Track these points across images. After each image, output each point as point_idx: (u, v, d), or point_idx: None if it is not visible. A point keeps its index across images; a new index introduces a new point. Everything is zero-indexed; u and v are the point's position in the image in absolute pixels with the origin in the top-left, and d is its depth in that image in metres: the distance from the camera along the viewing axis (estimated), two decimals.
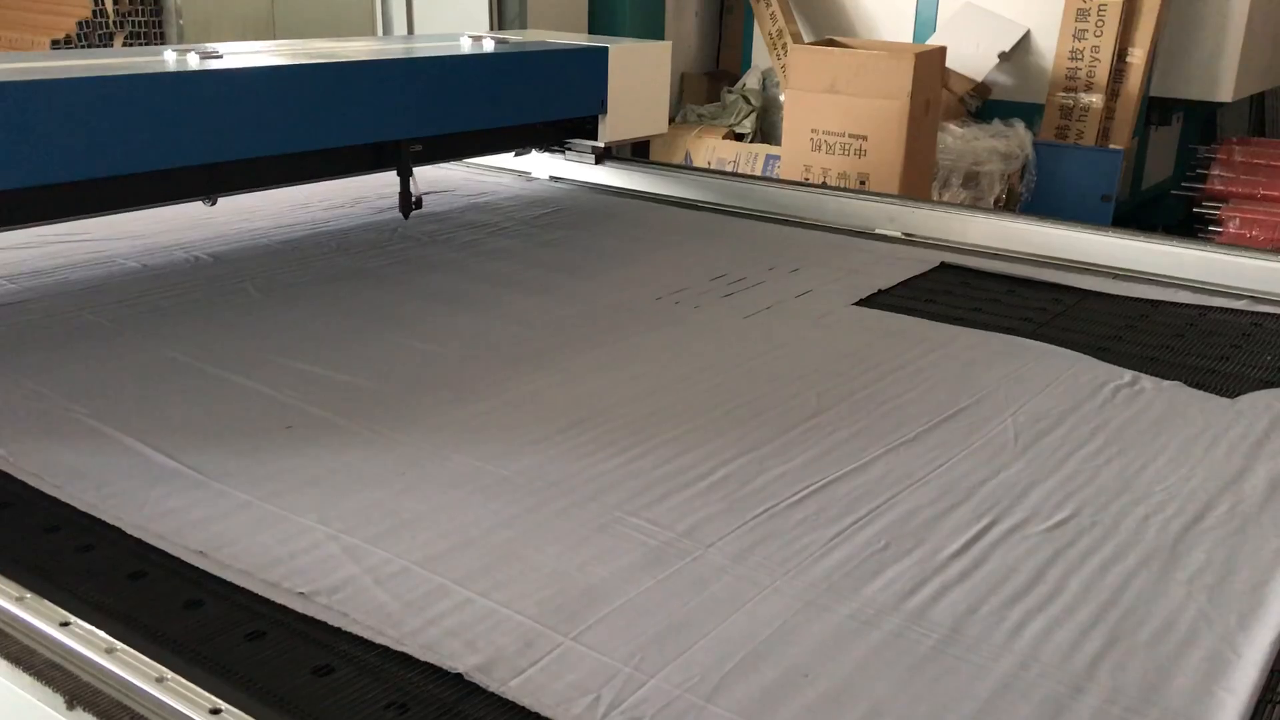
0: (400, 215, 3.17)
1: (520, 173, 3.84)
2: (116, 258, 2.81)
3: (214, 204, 2.76)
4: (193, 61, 2.53)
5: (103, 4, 7.77)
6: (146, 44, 7.96)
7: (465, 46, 3.24)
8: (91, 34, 7.70)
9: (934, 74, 4.84)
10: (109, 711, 1.09)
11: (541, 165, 3.81)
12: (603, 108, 3.41)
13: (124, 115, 2.30)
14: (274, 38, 8.86)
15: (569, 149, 3.65)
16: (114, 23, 7.83)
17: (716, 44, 6.37)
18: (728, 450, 1.83)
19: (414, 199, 3.14)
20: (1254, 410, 2.01)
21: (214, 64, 2.54)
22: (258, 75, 2.56)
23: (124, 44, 7.83)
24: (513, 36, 3.50)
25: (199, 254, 2.87)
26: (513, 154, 3.75)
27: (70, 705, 1.10)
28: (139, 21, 7.95)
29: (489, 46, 3.21)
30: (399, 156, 3.02)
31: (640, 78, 3.50)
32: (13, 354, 2.17)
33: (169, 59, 2.58)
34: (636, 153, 3.98)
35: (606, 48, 3.36)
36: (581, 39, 3.67)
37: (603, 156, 3.61)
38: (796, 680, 1.25)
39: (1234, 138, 5.71)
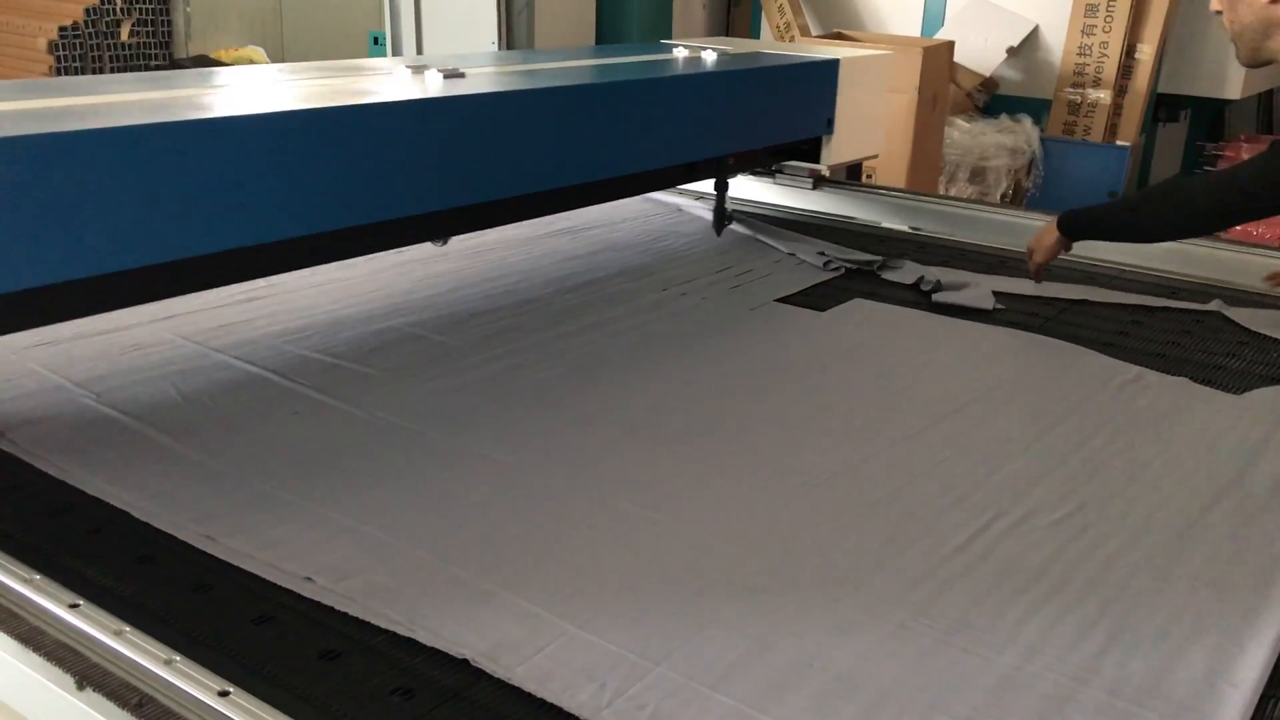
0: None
1: None
2: None
3: (445, 244, 2.53)
4: (435, 81, 2.20)
5: None
6: (153, 32, 7.97)
7: (681, 58, 2.90)
8: (99, 21, 7.71)
9: (941, 68, 4.82)
10: (118, 692, 1.09)
11: None
12: (829, 127, 3.07)
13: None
14: (280, 28, 8.87)
15: (780, 173, 3.37)
16: (121, 10, 7.83)
17: (725, 35, 6.35)
18: (731, 441, 1.83)
19: (727, 215, 3.02)
20: (1259, 407, 2.01)
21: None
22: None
23: (130, 32, 7.83)
24: (726, 47, 3.13)
25: None
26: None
27: (80, 686, 1.11)
28: (146, 9, 7.96)
29: (710, 59, 2.89)
30: (717, 171, 2.92)
31: (865, 93, 3.17)
32: (20, 336, 2.17)
33: (405, 74, 2.26)
34: (851, 176, 3.60)
35: (838, 60, 3.04)
36: (801, 50, 3.37)
37: (820, 181, 3.32)
38: (801, 670, 1.25)
39: (1242, 135, 5.70)
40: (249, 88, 2.06)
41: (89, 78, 2.24)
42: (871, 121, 3.30)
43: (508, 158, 2.15)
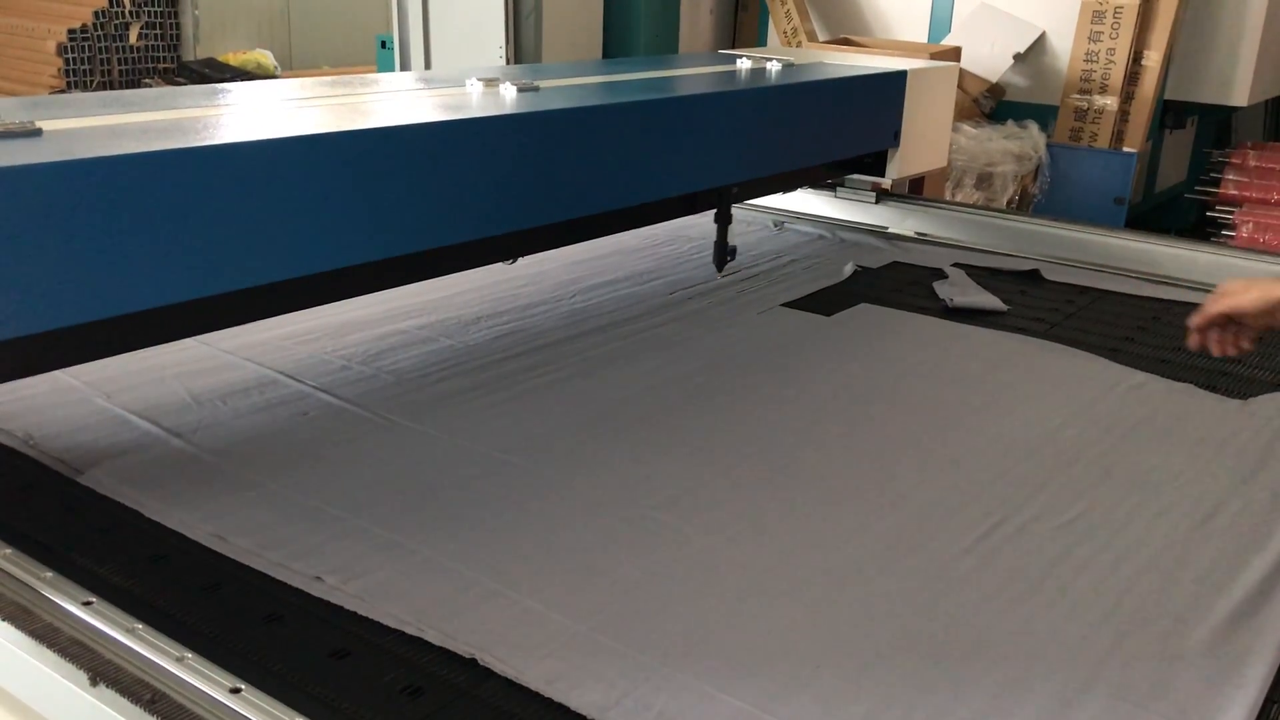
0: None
1: None
2: None
3: (513, 263, 2.39)
4: (508, 93, 2.10)
5: None
6: (161, 35, 8.01)
7: (745, 69, 2.79)
8: (108, 23, 7.75)
9: None
10: (131, 689, 1.10)
11: None
12: (895, 140, 2.98)
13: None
14: (288, 31, 8.90)
15: (841, 187, 3.30)
16: (130, 12, 7.86)
17: (731, 41, 6.37)
18: (737, 443, 1.84)
19: (729, 249, 2.66)
20: (1264, 413, 2.02)
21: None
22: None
23: (138, 35, 7.87)
24: (785, 57, 3.02)
25: None
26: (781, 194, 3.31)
27: (94, 682, 1.12)
28: (154, 12, 8.00)
29: (775, 69, 2.79)
30: (720, 203, 2.59)
31: (931, 105, 3.10)
32: None
33: (474, 89, 2.12)
34: (913, 189, 3.50)
35: (906, 71, 2.95)
36: (863, 60, 3.21)
37: (883, 195, 3.25)
38: (807, 672, 1.26)
39: (1249, 142, 5.69)
40: (325, 103, 1.95)
41: (146, 90, 2.04)
42: (937, 134, 3.23)
43: (596, 172, 2.07)
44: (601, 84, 2.42)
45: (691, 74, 2.70)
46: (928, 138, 3.15)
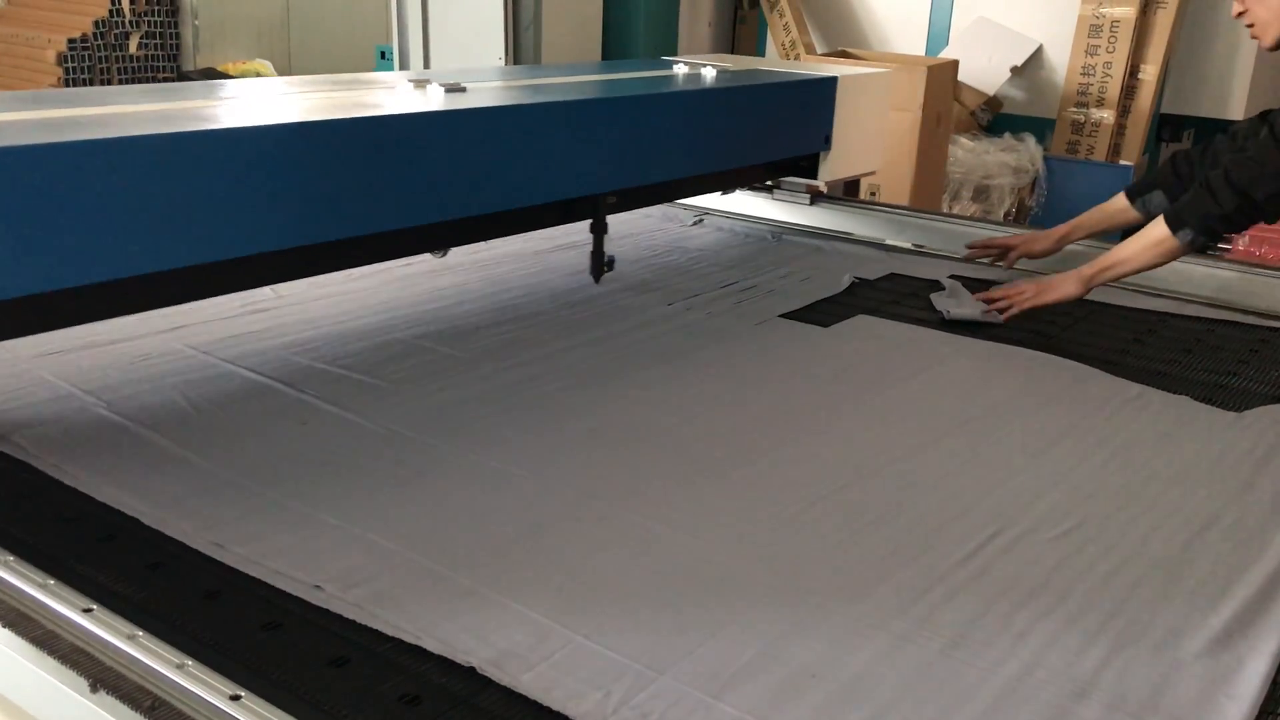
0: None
1: None
2: None
3: (444, 255, 2.50)
4: (436, 94, 2.25)
5: (119, 3, 7.84)
6: (161, 45, 8.03)
7: (681, 74, 2.94)
8: (108, 33, 7.77)
9: (946, 87, 4.85)
10: (132, 695, 1.11)
11: None
12: (826, 144, 3.11)
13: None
14: (288, 41, 8.93)
15: (778, 189, 3.40)
16: (130, 22, 7.88)
17: (729, 53, 6.40)
18: (735, 454, 1.85)
19: (606, 259, 2.63)
20: (1260, 425, 2.03)
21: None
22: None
23: (138, 44, 7.89)
24: (727, 64, 3.14)
25: None
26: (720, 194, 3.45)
27: (94, 689, 1.12)
28: (154, 21, 8.02)
29: (709, 75, 2.92)
30: (594, 211, 2.56)
31: (863, 110, 3.23)
32: (30, 345, 2.19)
33: (407, 88, 2.29)
34: (848, 191, 3.63)
35: (836, 77, 3.07)
36: (799, 67, 3.36)
37: (818, 197, 3.38)
38: (804, 681, 1.26)
39: None
40: (253, 100, 2.13)
41: (95, 89, 2.31)
42: (870, 138, 3.34)
43: (511, 170, 2.20)
44: (529, 87, 2.55)
45: (632, 78, 2.81)
46: (860, 142, 3.27)
